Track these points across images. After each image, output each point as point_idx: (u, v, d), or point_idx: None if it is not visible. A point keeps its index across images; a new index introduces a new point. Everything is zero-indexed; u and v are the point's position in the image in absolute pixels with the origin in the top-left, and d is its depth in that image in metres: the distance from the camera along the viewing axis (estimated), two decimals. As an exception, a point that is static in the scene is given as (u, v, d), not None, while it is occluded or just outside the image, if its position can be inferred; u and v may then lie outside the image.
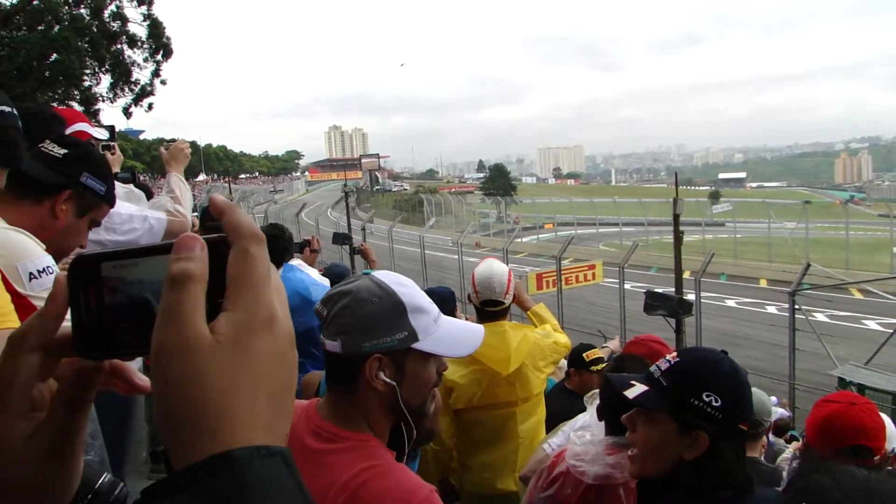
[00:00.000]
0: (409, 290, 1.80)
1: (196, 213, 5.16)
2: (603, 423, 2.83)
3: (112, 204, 2.37)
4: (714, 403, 1.98)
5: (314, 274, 4.59)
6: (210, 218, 5.38)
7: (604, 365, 5.28)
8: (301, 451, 1.69)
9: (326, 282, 4.49)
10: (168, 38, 31.06)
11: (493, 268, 3.79)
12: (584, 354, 5.28)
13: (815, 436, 2.71)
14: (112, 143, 4.71)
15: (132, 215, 3.22)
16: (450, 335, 1.84)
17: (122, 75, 30.44)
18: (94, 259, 0.65)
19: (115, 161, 4.69)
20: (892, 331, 13.96)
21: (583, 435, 2.84)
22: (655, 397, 2.06)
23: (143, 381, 0.79)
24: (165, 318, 0.59)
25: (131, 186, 4.03)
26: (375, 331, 1.72)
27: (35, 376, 0.72)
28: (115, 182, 4.31)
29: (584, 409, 3.15)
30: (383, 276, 1.81)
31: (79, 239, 2.38)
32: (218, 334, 0.59)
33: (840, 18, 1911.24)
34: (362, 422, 1.78)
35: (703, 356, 2.08)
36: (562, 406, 4.69)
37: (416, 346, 1.75)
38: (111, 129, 4.32)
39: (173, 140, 4.04)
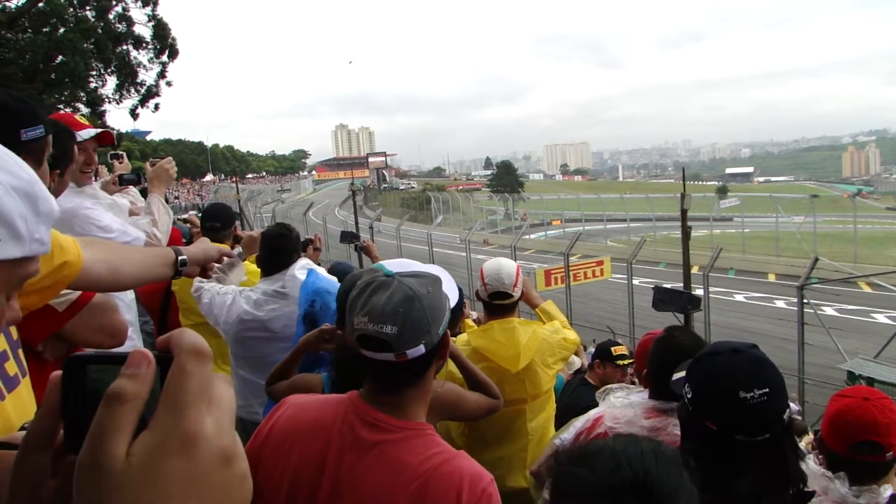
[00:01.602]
0: (422, 264, 1.89)
1: (195, 213, 5.17)
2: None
3: (51, 129, 2.35)
4: (688, 395, 2.00)
5: (324, 273, 4.58)
6: (210, 219, 5.37)
7: (629, 361, 5.35)
8: (356, 442, 1.76)
9: (335, 279, 4.49)
10: (174, 39, 31.11)
11: (502, 262, 3.79)
12: (611, 348, 5.37)
13: (828, 430, 2.69)
14: (120, 153, 4.71)
15: (111, 227, 3.21)
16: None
17: (127, 76, 30.47)
18: (81, 361, 0.65)
19: (123, 169, 4.69)
20: (901, 324, 13.91)
21: (623, 397, 2.87)
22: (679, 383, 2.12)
23: None
24: (89, 436, 0.58)
25: (116, 198, 4.02)
26: (442, 314, 1.79)
27: (42, 476, 0.73)
28: (120, 184, 4.33)
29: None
30: (400, 265, 1.85)
31: (47, 179, 2.37)
32: (130, 457, 0.57)
33: (842, 12, 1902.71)
34: (421, 409, 1.85)
35: (708, 349, 2.06)
36: (580, 398, 4.73)
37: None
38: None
39: (161, 157, 3.99)
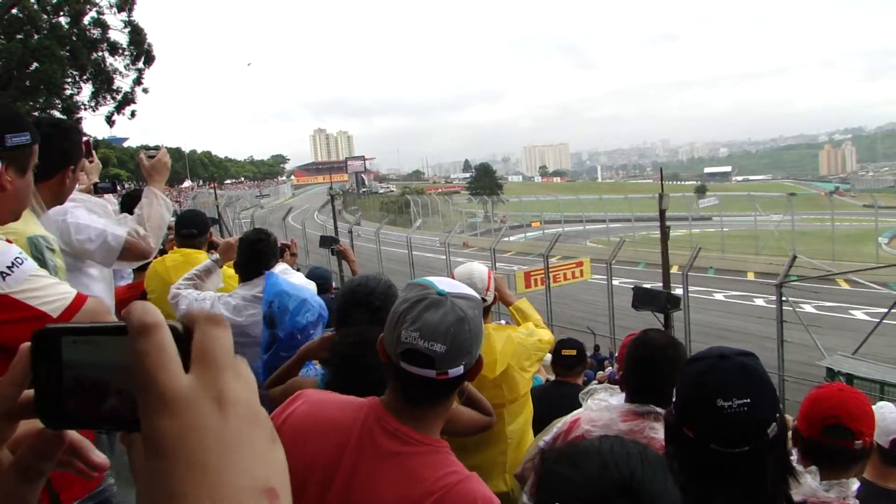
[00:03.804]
0: (463, 286, 1.88)
1: (171, 219, 5.12)
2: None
3: (38, 139, 2.34)
4: (673, 399, 1.98)
5: (298, 279, 4.56)
6: (186, 226, 5.33)
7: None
8: (375, 449, 1.78)
9: (312, 285, 4.47)
10: (149, 45, 30.99)
11: (473, 266, 3.80)
12: (561, 350, 5.48)
13: (803, 416, 2.75)
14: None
15: (90, 226, 3.18)
16: None
17: (103, 83, 30.34)
18: (55, 333, 0.65)
19: (94, 169, 4.64)
20: (878, 320, 14.03)
21: (601, 401, 2.86)
22: None
23: (101, 457, 0.80)
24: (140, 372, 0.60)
25: (105, 197, 3.97)
26: (482, 337, 1.84)
27: None
28: (94, 192, 4.28)
29: (579, 404, 3.14)
30: (450, 284, 1.84)
31: (30, 189, 2.37)
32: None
33: (815, 12, 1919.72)
34: (440, 425, 1.88)
35: (699, 353, 2.01)
36: (556, 398, 4.76)
37: None
38: (87, 144, 4.25)
39: (156, 147, 3.93)
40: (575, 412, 3.04)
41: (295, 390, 2.11)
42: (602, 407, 2.84)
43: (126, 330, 0.62)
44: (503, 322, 4.68)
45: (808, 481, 2.02)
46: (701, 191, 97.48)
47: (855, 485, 2.11)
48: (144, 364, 0.59)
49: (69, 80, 29.86)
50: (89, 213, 3.29)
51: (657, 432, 2.61)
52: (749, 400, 1.81)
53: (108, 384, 0.63)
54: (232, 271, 4.57)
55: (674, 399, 1.97)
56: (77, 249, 3.14)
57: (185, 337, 0.62)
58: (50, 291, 2.11)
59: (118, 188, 4.92)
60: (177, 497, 0.55)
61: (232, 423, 0.59)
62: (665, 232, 17.15)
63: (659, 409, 2.73)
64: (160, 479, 0.56)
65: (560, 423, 3.09)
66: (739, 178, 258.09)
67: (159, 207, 3.56)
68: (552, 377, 6.08)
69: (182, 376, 0.59)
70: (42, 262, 2.42)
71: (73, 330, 0.66)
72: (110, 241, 3.21)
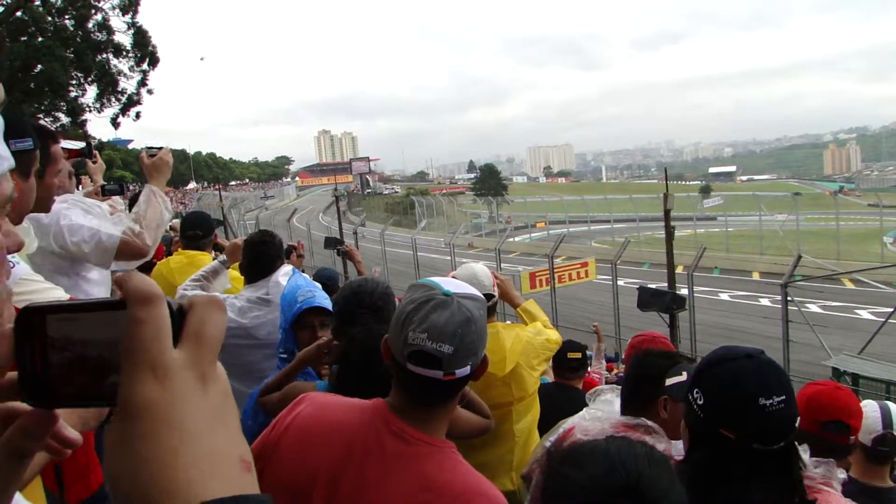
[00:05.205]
0: (468, 286, 1.87)
1: (176, 220, 5.11)
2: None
3: (37, 146, 2.36)
4: (698, 401, 1.95)
5: (304, 281, 4.56)
6: (191, 227, 5.34)
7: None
8: (382, 451, 1.77)
9: (318, 286, 4.47)
10: (154, 47, 31.02)
11: (474, 265, 3.81)
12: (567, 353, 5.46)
13: (802, 412, 2.79)
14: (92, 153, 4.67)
15: (83, 226, 3.15)
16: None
17: (108, 85, 30.38)
18: (40, 311, 0.65)
19: (97, 170, 4.64)
20: (884, 320, 13.98)
21: (596, 411, 2.87)
22: (682, 388, 2.09)
23: (73, 434, 0.79)
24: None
25: (113, 199, 3.94)
26: (486, 337, 1.84)
27: None
28: (102, 194, 4.28)
29: (579, 408, 3.14)
30: (456, 285, 1.84)
31: (34, 193, 2.38)
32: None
33: (815, 12, 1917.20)
34: (445, 425, 1.88)
35: (720, 354, 2.00)
36: (558, 402, 4.75)
37: None
38: (88, 144, 4.25)
39: (158, 147, 3.84)
40: (573, 417, 3.04)
41: (294, 395, 2.11)
42: (595, 417, 2.83)
43: (113, 305, 0.62)
44: (509, 322, 4.67)
45: (802, 456, 2.03)
46: (706, 191, 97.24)
47: (841, 474, 2.12)
48: (140, 332, 0.60)
49: (74, 82, 29.92)
50: (85, 214, 3.26)
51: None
52: (785, 397, 1.83)
53: (110, 361, 0.63)
54: (238, 273, 4.58)
55: (699, 402, 1.94)
56: (73, 252, 3.10)
57: (177, 315, 0.63)
58: (42, 295, 2.11)
59: (124, 190, 4.89)
60: (167, 453, 0.56)
61: (213, 399, 0.61)
62: (670, 232, 17.09)
63: (650, 423, 2.74)
64: (136, 441, 0.56)
65: (564, 426, 3.09)
66: (744, 178, 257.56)
67: (157, 206, 3.50)
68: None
69: (172, 349, 0.61)
70: None
71: (58, 308, 0.65)
72: (104, 240, 3.16)
